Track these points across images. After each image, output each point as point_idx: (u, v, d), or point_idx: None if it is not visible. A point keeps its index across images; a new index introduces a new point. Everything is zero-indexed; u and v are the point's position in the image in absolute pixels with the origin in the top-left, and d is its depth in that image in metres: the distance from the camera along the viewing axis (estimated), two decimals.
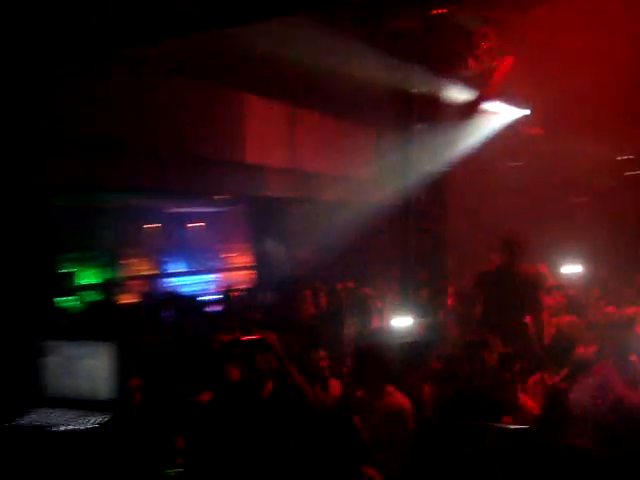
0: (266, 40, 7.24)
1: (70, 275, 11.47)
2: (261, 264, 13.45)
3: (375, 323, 8.02)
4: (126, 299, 11.69)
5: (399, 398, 4.69)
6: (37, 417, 3.99)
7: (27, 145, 6.81)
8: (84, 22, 4.88)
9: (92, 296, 10.76)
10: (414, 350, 5.70)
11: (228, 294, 9.74)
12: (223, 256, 16.00)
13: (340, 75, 8.72)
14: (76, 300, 10.74)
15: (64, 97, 7.08)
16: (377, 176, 11.84)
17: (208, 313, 8.81)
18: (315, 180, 12.14)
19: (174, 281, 14.33)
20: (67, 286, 10.79)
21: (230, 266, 15.84)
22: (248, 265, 14.72)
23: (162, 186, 9.38)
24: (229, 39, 6.45)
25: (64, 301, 10.00)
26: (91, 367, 4.10)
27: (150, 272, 14.10)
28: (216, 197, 11.94)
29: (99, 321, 8.16)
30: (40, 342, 4.21)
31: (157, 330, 7.18)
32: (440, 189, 9.01)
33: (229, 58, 8.15)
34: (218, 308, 9.28)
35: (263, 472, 3.92)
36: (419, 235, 8.79)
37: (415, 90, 8.76)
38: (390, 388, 4.73)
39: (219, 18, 4.58)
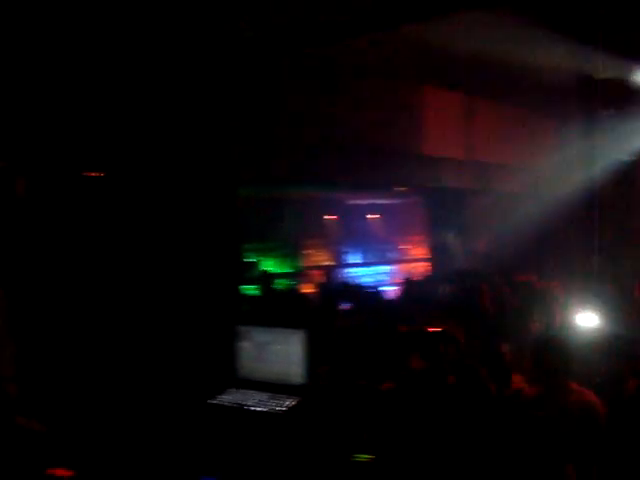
0: (444, 31, 7.21)
1: (253, 264, 11.98)
2: (438, 256, 13.40)
3: (558, 318, 7.77)
4: (305, 289, 12.03)
5: (588, 396, 4.53)
6: (233, 397, 4.25)
7: (222, 141, 7.18)
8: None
9: (274, 285, 11.15)
10: (610, 347, 5.48)
11: (405, 285, 9.78)
12: (400, 248, 16.05)
13: (519, 62, 8.52)
14: (258, 289, 11.18)
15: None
16: (559, 166, 11.44)
17: (386, 304, 8.91)
18: (493, 171, 11.94)
19: (351, 272, 14.55)
20: (251, 275, 11.27)
21: (407, 258, 15.88)
22: (424, 257, 14.70)
23: (342, 178, 9.59)
24: (408, 33, 6.49)
25: (248, 289, 10.46)
26: (282, 352, 4.31)
27: (328, 263, 14.39)
28: (394, 189, 12.02)
29: (280, 309, 8.49)
30: (236, 328, 4.48)
31: (337, 320, 7.36)
32: (627, 179, 8.63)
33: (407, 52, 8.19)
34: (396, 299, 9.36)
35: (448, 465, 3.93)
36: (604, 227, 8.45)
37: (600, 75, 8.41)
38: (575, 386, 4.59)
39: (404, 15, 4.63)
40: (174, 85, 6.27)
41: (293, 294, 9.84)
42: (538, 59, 8.56)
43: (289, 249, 13.42)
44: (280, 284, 11.92)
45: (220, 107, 7.06)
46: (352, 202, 14.69)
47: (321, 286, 11.57)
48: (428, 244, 14.18)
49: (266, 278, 10.93)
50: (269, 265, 12.77)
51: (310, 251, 14.14)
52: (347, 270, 14.61)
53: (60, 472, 2.97)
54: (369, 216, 15.47)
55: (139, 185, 6.52)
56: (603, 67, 8.30)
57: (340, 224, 14.65)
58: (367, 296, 8.94)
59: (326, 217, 14.41)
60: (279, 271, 12.77)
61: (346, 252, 15.07)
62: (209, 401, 4.18)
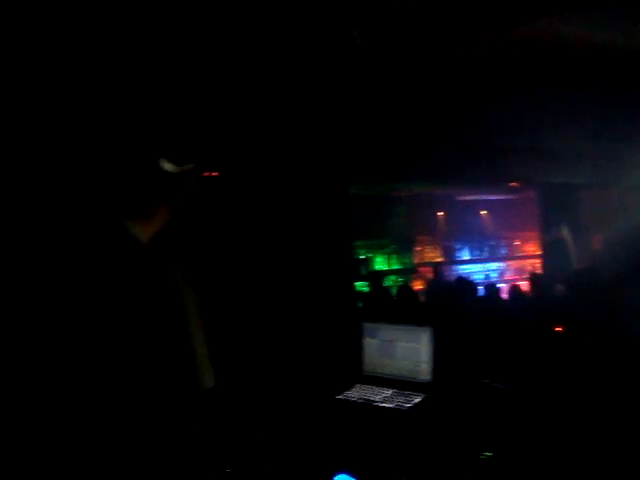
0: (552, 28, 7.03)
1: (364, 261, 12.06)
2: (550, 253, 13.08)
3: None
4: (416, 285, 12.00)
5: None
6: (360, 393, 4.31)
7: (334, 140, 7.29)
8: None
9: (384, 282, 11.18)
10: None
11: (533, 281, 9.58)
12: (510, 244, 15.79)
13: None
14: (368, 285, 11.26)
15: None
16: None
17: (500, 302, 8.80)
18: (610, 165, 11.57)
19: (461, 269, 14.41)
20: (363, 272, 11.36)
21: (517, 254, 15.62)
22: (536, 254, 14.41)
23: (454, 174, 9.52)
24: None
25: (360, 286, 10.56)
26: (408, 349, 4.35)
27: (438, 259, 14.31)
28: (507, 184, 11.83)
29: (396, 306, 8.52)
30: (361, 324, 4.55)
31: (460, 317, 7.32)
32: None
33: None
34: (508, 297, 9.22)
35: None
36: None
37: None
38: None
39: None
40: (286, 88, 6.41)
41: (405, 291, 9.83)
42: None
43: (398, 246, 13.41)
44: (390, 281, 11.97)
45: (330, 107, 7.17)
46: (462, 198, 14.55)
47: (432, 283, 11.53)
48: (540, 240, 13.87)
49: (376, 275, 10.99)
50: (379, 262, 12.82)
51: (420, 248, 14.09)
52: (457, 267, 14.49)
53: None
54: (479, 212, 15.28)
55: (255, 185, 6.70)
56: None
57: (450, 220, 14.53)
58: (485, 292, 8.88)
59: (436, 213, 14.33)
60: (389, 268, 12.80)
61: (456, 249, 14.94)
62: (337, 397, 4.27)
